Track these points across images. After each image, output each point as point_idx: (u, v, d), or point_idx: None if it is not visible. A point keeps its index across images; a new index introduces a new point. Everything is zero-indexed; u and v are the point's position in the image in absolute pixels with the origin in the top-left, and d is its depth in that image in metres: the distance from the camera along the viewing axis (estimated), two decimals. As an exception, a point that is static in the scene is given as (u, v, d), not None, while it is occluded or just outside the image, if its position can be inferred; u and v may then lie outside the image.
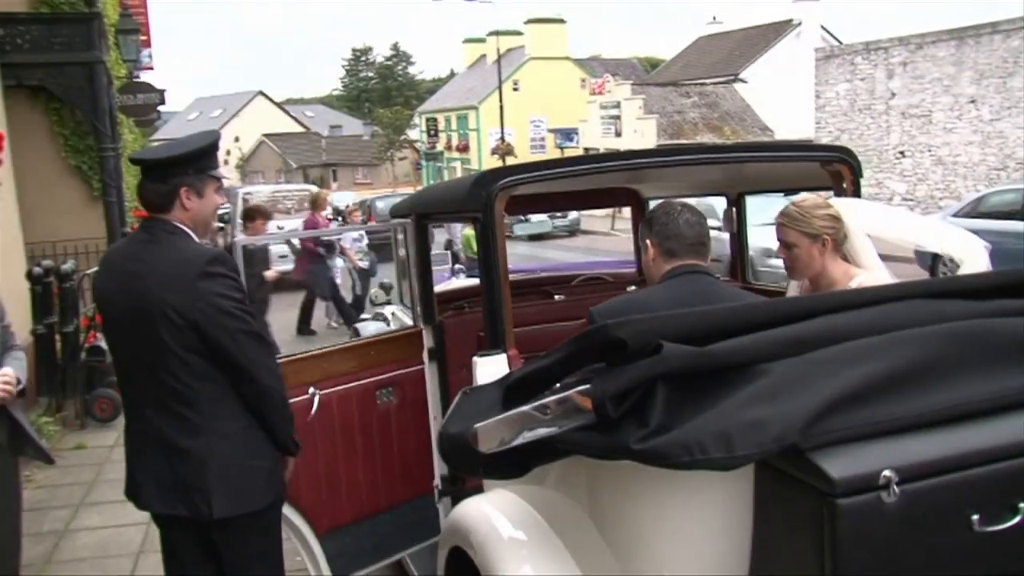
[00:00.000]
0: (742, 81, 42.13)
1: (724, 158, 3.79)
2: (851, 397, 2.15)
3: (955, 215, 14.74)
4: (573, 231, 30.22)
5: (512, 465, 2.58)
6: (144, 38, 21.35)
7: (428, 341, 4.14)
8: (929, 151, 24.17)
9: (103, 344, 8.62)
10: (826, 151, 3.75)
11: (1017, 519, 2.06)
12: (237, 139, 77.73)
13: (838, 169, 3.64)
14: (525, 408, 2.39)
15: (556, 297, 4.79)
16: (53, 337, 8.20)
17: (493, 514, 2.93)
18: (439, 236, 17.51)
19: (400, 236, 4.70)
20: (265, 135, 75.77)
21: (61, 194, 12.02)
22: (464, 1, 47.15)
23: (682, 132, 38.28)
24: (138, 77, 18.24)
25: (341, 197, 48.04)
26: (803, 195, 3.50)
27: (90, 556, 5.39)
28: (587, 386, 2.28)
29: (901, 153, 24.89)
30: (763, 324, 2.37)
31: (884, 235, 3.39)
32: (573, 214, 29.74)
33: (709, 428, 2.09)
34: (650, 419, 2.16)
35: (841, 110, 26.49)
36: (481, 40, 61.10)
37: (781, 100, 38.50)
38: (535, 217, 27.99)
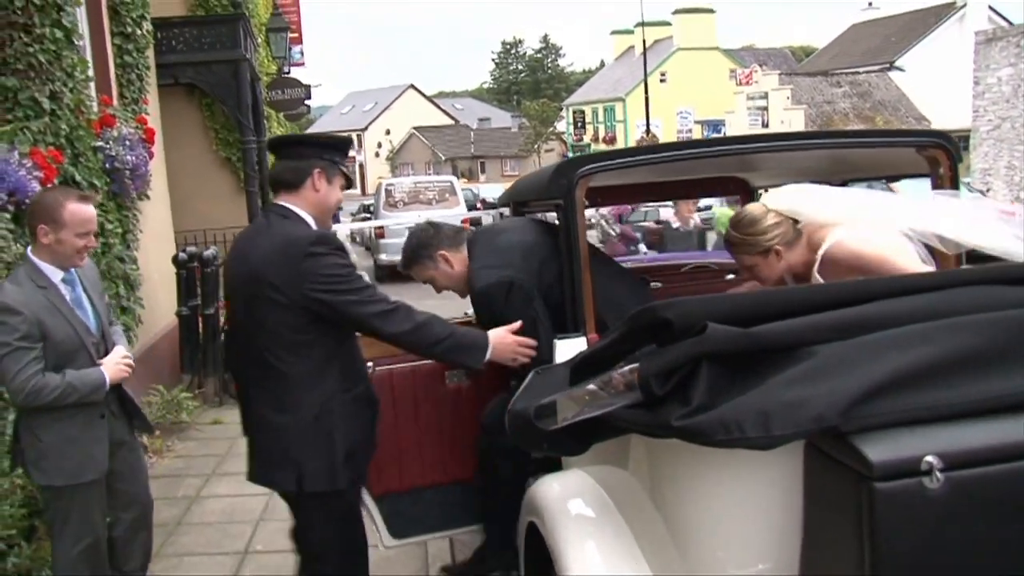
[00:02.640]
0: (898, 69, 40.51)
1: (811, 144, 3.73)
2: (897, 381, 2.13)
3: None
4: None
5: (573, 441, 2.66)
6: (295, 35, 22.29)
7: None
8: (1101, 140, 22.70)
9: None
10: (921, 136, 3.65)
11: None
12: (388, 132, 79.85)
13: (934, 154, 3.54)
14: (583, 387, 2.47)
15: (652, 284, 4.81)
16: (196, 319, 8.72)
17: (562, 491, 3.02)
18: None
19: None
20: (415, 128, 77.50)
21: (213, 184, 12.73)
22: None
23: (832, 123, 37.12)
24: (288, 73, 18.99)
25: (489, 189, 48.84)
26: (744, 209, 3.52)
27: (216, 521, 5.76)
28: (636, 365, 2.34)
29: (1069, 143, 23.43)
30: (813, 308, 2.37)
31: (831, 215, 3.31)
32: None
33: (748, 407, 2.12)
34: (692, 397, 2.21)
35: (1003, 96, 25.08)
36: (629, 32, 60.78)
37: (940, 88, 36.83)
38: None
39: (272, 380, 3.26)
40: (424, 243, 3.94)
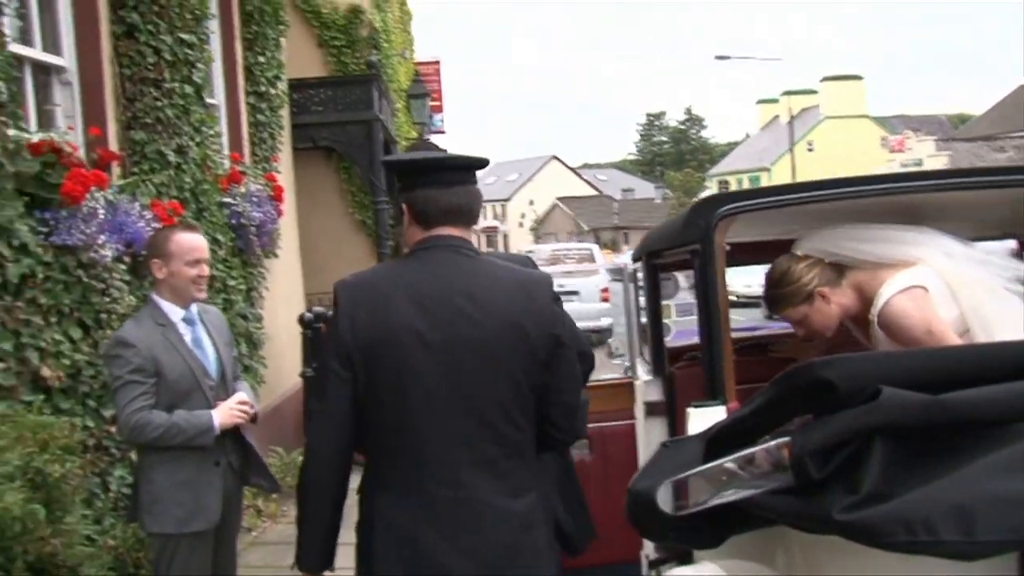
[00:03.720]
0: (1068, 133, 38.19)
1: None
2: None
3: None
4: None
5: (705, 531, 2.16)
6: (436, 104, 22.57)
7: (648, 394, 3.74)
8: None
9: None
10: None
11: None
12: (531, 202, 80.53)
13: None
14: (718, 463, 1.98)
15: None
16: (320, 380, 8.51)
17: (693, 590, 2.50)
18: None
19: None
20: (559, 198, 77.90)
21: (348, 247, 12.74)
22: (749, 61, 46.15)
23: (996, 190, 35.14)
24: (428, 139, 19.14)
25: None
26: (771, 266, 3.20)
27: (322, 597, 5.39)
28: (787, 439, 1.84)
29: None
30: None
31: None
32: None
33: (942, 501, 1.60)
34: (862, 484, 1.70)
35: None
36: (774, 100, 59.80)
37: (1116, 153, 34.49)
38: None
39: (504, 455, 2.50)
40: None
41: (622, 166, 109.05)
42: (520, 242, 75.38)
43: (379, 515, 2.55)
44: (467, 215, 2.61)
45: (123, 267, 5.12)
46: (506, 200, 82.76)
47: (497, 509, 2.47)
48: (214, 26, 7.60)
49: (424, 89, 16.62)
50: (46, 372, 4.38)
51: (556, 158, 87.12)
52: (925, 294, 2.86)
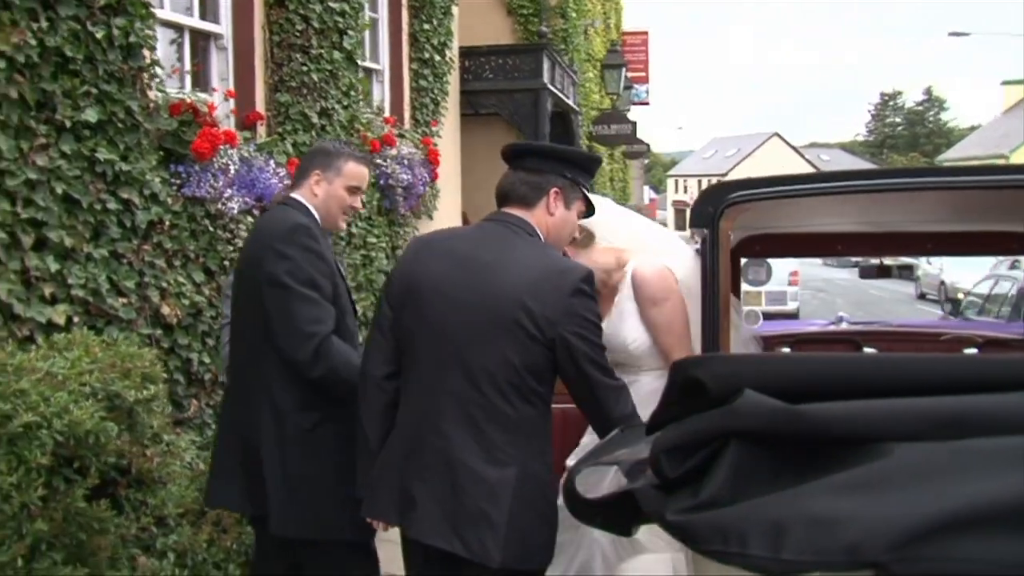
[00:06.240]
0: None
1: None
2: (1005, 514, 1.49)
3: None
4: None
5: (622, 518, 2.18)
6: (640, 75, 22.41)
7: None
8: None
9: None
10: None
11: None
12: (748, 179, 78.75)
13: None
14: (615, 455, 2.02)
15: (865, 349, 4.06)
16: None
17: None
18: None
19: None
20: (775, 176, 75.71)
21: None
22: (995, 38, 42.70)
23: None
24: (627, 111, 19.06)
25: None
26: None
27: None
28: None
29: None
30: (916, 387, 1.71)
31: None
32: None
33: (761, 515, 1.58)
34: (704, 488, 1.68)
35: None
36: (1022, 82, 55.21)
37: None
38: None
39: (492, 424, 2.62)
40: None
41: (850, 147, 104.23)
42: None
43: (390, 440, 2.77)
44: (507, 197, 2.79)
45: (251, 219, 5.51)
46: (723, 175, 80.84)
47: (469, 471, 2.58)
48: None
49: (619, 60, 16.52)
50: (165, 310, 4.83)
51: (778, 135, 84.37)
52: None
